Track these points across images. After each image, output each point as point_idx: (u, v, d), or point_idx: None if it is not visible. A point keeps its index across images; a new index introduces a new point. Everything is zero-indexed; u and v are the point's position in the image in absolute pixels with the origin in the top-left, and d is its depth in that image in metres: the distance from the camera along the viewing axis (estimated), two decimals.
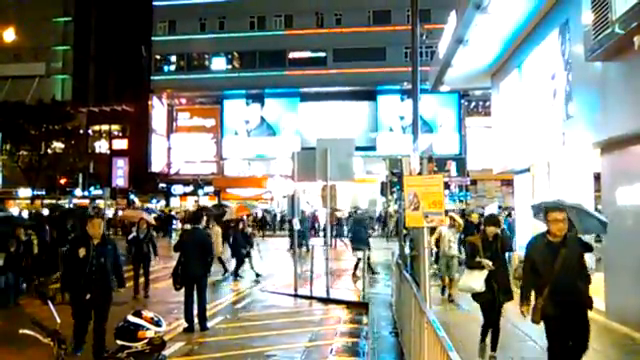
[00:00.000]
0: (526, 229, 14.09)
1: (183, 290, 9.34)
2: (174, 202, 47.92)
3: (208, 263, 9.67)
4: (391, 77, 41.24)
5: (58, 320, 4.90)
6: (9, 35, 30.24)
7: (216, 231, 16.52)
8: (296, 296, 12.81)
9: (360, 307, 11.14)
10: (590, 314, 5.63)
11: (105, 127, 52.25)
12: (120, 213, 36.14)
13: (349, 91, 44.10)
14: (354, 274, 15.44)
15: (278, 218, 40.76)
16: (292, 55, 45.89)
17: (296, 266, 13.44)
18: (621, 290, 8.90)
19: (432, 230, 12.74)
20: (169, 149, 47.26)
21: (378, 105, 44.09)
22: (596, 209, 13.69)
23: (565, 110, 10.64)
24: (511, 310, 11.43)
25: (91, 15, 55.00)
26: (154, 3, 47.60)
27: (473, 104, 42.89)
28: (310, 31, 45.00)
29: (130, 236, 13.69)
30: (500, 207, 18.60)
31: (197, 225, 10.19)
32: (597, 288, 10.31)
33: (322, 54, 45.58)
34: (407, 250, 11.07)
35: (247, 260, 16.62)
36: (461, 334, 7.96)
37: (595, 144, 9.56)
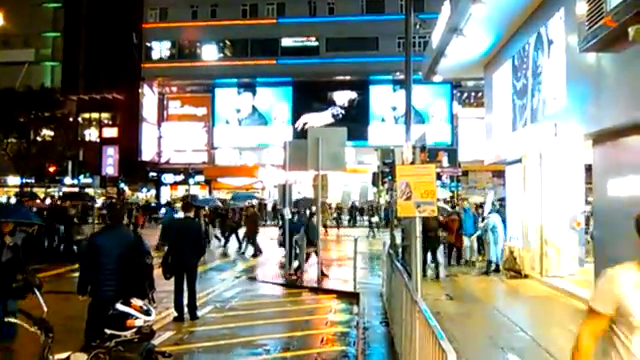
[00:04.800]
0: (516, 220, 14.15)
1: (173, 279, 9.28)
2: (164, 191, 47.72)
3: (199, 252, 9.61)
4: (384, 67, 41.12)
5: (45, 309, 4.84)
6: None
7: None
8: (287, 285, 12.79)
9: (351, 297, 11.13)
10: (580, 304, 5.64)
11: (95, 115, 51.89)
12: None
13: (341, 81, 43.94)
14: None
15: (269, 208, 40.57)
16: (284, 44, 45.64)
17: (286, 257, 13.41)
18: None
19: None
20: (160, 138, 46.97)
21: (370, 95, 44.00)
22: (587, 200, 13.83)
23: (557, 101, 10.64)
24: (500, 299, 11.52)
25: (81, 1, 54.31)
26: None
27: (465, 95, 42.89)
28: (303, 20, 44.75)
29: None
30: (493, 204, 18.74)
31: (188, 214, 10.12)
32: (587, 280, 10.38)
33: (315, 43, 45.36)
34: (398, 240, 11.08)
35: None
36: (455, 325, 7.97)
37: (587, 135, 9.56)
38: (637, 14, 6.53)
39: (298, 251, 13.93)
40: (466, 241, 15.22)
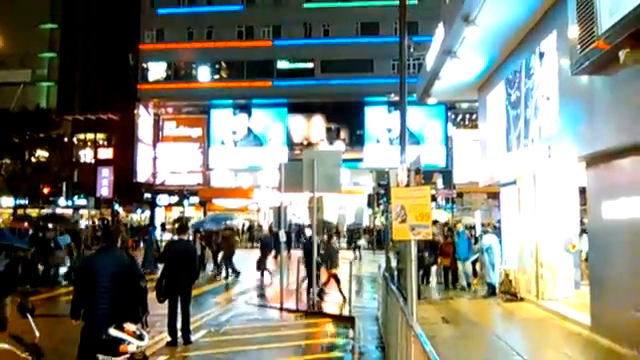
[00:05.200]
0: (512, 242, 14.13)
1: (167, 302, 9.18)
2: (159, 212, 47.51)
3: (193, 275, 9.53)
4: (378, 89, 41.38)
5: (37, 334, 4.76)
6: None
7: None
8: (282, 309, 12.68)
9: (346, 321, 11.04)
10: (575, 328, 5.60)
11: (90, 136, 51.82)
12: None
13: (336, 102, 44.20)
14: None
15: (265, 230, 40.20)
16: (280, 66, 45.96)
17: (282, 279, 13.32)
18: (606, 304, 8.90)
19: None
20: (155, 159, 46.89)
21: (365, 117, 44.21)
22: (582, 222, 13.83)
23: (550, 123, 10.70)
24: (496, 322, 11.45)
25: (78, 22, 54.63)
26: (142, 11, 47.52)
27: (460, 117, 43.16)
28: (298, 42, 45.15)
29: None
30: (482, 224, 18.70)
31: (182, 236, 10.06)
32: (583, 303, 10.34)
33: (310, 65, 45.70)
34: (394, 263, 11.03)
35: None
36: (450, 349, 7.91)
37: (580, 157, 9.61)
38: (628, 38, 6.62)
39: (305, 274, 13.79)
40: (460, 265, 15.02)
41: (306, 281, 13.50)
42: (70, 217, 36.79)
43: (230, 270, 19.11)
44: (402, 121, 8.73)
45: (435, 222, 25.37)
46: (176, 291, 9.14)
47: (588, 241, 10.58)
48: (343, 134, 45.47)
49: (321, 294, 13.42)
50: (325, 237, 15.05)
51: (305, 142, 44.49)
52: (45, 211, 42.16)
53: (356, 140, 44.56)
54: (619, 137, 7.98)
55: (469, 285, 14.85)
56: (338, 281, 13.45)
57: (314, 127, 45.38)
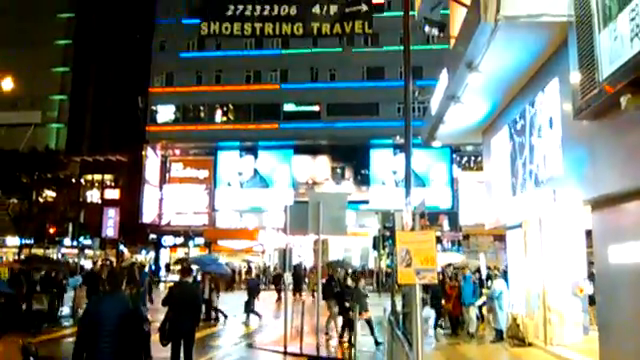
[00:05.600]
0: (518, 286, 13.98)
1: (170, 345, 9.09)
2: (164, 253, 47.40)
3: (197, 318, 9.46)
4: (384, 131, 41.78)
5: None
6: (7, 84, 30.62)
7: None
8: (285, 353, 12.50)
9: None
10: None
11: (98, 176, 52.24)
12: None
13: (342, 145, 44.57)
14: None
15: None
16: (286, 108, 46.58)
17: (286, 322, 13.17)
18: (615, 349, 8.75)
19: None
20: (161, 200, 47.10)
21: (371, 159, 44.47)
22: (589, 265, 13.71)
23: (555, 167, 10.75)
24: None
25: (90, 66, 55.88)
26: (152, 55, 48.63)
27: (465, 159, 43.36)
28: (305, 86, 45.91)
29: None
30: (489, 268, 18.49)
31: (187, 279, 10.03)
32: (592, 348, 10.16)
33: (316, 108, 46.30)
34: (399, 307, 10.94)
35: None
36: None
37: (585, 201, 9.61)
38: (628, 84, 6.74)
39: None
40: (465, 310, 14.67)
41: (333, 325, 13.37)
42: (52, 257, 35.48)
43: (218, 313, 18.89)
44: (407, 163, 8.81)
45: (449, 265, 25.17)
46: (179, 334, 9.06)
47: (595, 285, 10.48)
48: (348, 173, 45.70)
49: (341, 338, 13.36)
50: (350, 281, 14.89)
51: (310, 181, 44.68)
52: (66, 251, 41.89)
53: (361, 180, 44.76)
54: (622, 181, 8.00)
55: (472, 333, 14.43)
56: (352, 326, 13.26)
57: (319, 166, 45.67)
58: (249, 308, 18.86)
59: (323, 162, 45.73)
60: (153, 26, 49.22)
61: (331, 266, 17.24)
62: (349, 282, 15.96)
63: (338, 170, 45.70)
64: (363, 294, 14.05)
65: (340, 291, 14.64)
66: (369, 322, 13.37)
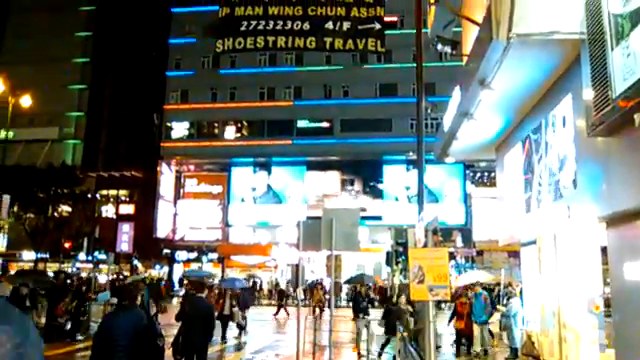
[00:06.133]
0: (533, 303, 13.84)
1: None
2: (177, 268, 47.57)
3: (210, 334, 9.49)
4: (397, 147, 41.82)
5: None
6: (26, 101, 31.20)
7: None
8: None
9: None
10: None
11: (113, 192, 52.79)
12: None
13: (355, 160, 44.64)
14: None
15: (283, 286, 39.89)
16: (300, 125, 46.83)
17: (298, 339, 13.13)
18: None
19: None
20: (175, 215, 47.40)
21: (384, 174, 44.47)
22: (605, 282, 13.55)
23: (569, 184, 10.70)
24: None
25: (106, 84, 56.75)
26: (168, 73, 49.25)
27: (478, 175, 43.20)
28: (318, 102, 46.17)
29: None
30: (504, 286, 18.30)
31: (200, 294, 10.09)
32: None
33: (329, 124, 46.50)
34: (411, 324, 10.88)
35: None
36: None
37: (600, 218, 9.54)
38: None
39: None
40: (476, 329, 14.54)
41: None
42: (45, 272, 35.22)
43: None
44: (420, 179, 8.84)
45: (475, 284, 24.86)
46: (192, 349, 9.10)
47: (612, 302, 10.35)
48: (358, 185, 45.71)
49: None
50: (400, 300, 14.76)
51: (321, 194, 44.76)
52: (81, 265, 42.17)
53: (370, 192, 44.75)
54: (637, 198, 7.95)
55: (485, 352, 14.29)
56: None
57: (329, 180, 45.72)
58: (239, 323, 18.48)
59: (333, 176, 45.82)
60: (168, 45, 49.94)
61: (357, 282, 17.20)
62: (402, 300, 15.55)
63: (348, 185, 45.76)
64: (404, 311, 13.91)
65: (388, 309, 14.55)
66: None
